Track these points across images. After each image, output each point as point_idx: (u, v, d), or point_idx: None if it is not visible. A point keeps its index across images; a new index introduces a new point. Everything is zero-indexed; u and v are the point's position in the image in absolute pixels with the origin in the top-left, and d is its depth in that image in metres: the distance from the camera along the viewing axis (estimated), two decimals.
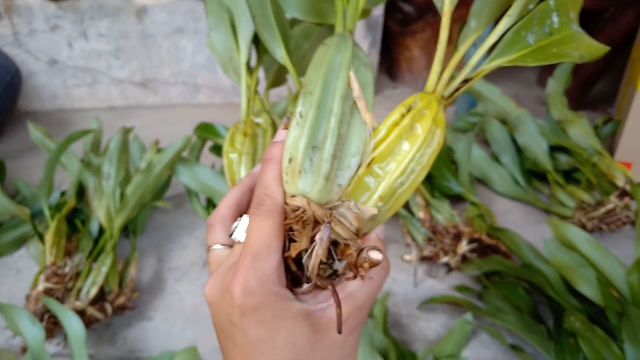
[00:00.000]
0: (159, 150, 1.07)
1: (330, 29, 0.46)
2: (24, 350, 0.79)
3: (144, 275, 0.98)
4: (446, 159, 1.16)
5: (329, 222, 0.29)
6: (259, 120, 0.44)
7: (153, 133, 1.32)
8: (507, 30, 0.33)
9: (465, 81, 0.34)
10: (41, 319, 0.81)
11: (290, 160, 0.30)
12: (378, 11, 1.64)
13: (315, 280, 0.29)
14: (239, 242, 0.31)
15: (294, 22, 0.46)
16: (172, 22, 1.55)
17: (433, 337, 0.86)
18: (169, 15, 1.53)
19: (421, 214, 1.03)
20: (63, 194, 1.06)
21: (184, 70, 1.63)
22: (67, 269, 0.88)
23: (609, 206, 1.03)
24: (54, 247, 0.90)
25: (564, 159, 1.21)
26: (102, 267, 0.88)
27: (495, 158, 1.25)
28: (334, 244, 0.30)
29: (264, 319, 0.27)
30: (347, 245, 0.29)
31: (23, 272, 0.99)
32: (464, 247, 0.95)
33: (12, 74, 1.40)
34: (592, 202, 1.08)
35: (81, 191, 1.04)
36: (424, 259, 0.99)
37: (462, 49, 0.35)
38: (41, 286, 0.85)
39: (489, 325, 0.85)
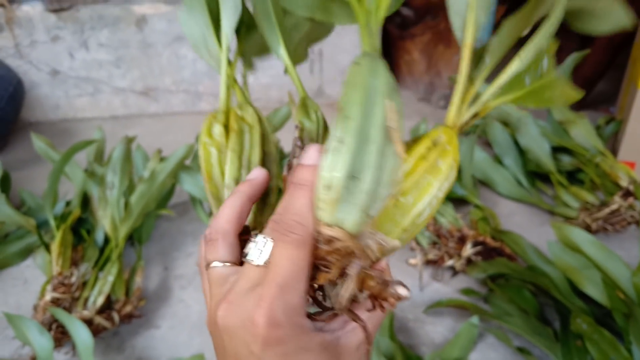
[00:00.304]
0: (162, 159, 1.07)
1: (323, 25, 0.45)
2: (34, 359, 0.79)
3: (150, 283, 0.98)
4: None
5: (363, 257, 0.28)
6: (243, 113, 0.41)
7: (155, 141, 1.33)
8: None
9: (475, 115, 0.35)
10: (49, 329, 0.81)
11: (328, 187, 0.29)
12: None
13: (342, 312, 0.29)
14: (257, 265, 0.29)
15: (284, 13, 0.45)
16: (172, 30, 1.55)
17: (440, 340, 0.86)
18: (169, 23, 1.54)
19: None
20: (68, 204, 1.07)
21: (185, 78, 1.64)
22: (73, 279, 0.88)
23: (613, 206, 1.03)
24: (60, 257, 0.91)
25: (566, 160, 1.21)
26: (109, 276, 0.88)
27: (498, 160, 1.25)
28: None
29: (288, 352, 0.27)
30: (369, 276, 0.29)
31: (30, 282, 0.99)
32: (468, 250, 0.95)
33: (15, 85, 1.40)
34: (596, 203, 1.08)
35: (86, 201, 1.04)
36: (429, 262, 0.99)
37: (477, 84, 0.35)
38: (48, 296, 0.85)
39: (495, 328, 0.85)
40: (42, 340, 0.78)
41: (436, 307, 0.90)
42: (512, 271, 0.89)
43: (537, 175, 1.24)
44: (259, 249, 0.30)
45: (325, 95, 1.72)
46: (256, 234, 0.31)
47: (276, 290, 0.27)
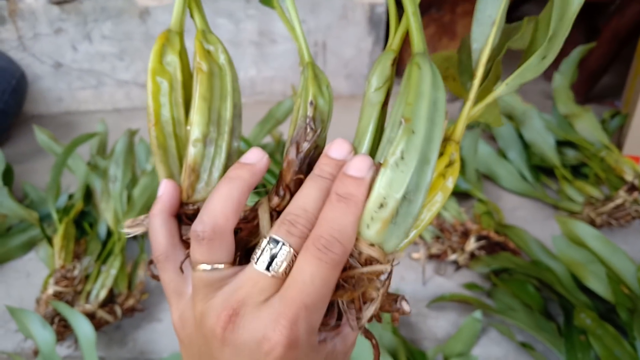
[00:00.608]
0: None
1: None
2: (36, 353, 0.79)
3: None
4: None
5: (390, 274, 0.28)
6: (210, 47, 0.33)
7: None
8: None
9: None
10: (52, 322, 0.81)
11: (381, 206, 0.26)
12: (381, 8, 1.64)
13: (359, 330, 0.28)
14: (272, 276, 0.26)
15: None
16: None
17: (442, 335, 0.86)
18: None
19: None
20: (70, 197, 1.07)
21: None
22: (76, 272, 0.88)
23: (618, 201, 1.02)
24: (62, 250, 0.91)
25: (571, 154, 1.20)
26: (111, 270, 0.88)
27: (502, 154, 1.24)
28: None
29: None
30: (374, 287, 0.28)
31: (33, 275, 0.99)
32: (472, 244, 0.95)
33: (18, 78, 1.40)
34: (600, 197, 1.07)
35: (88, 194, 1.04)
36: (432, 257, 0.99)
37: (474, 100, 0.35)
38: (51, 289, 0.85)
39: (498, 322, 0.85)
40: (44, 334, 0.78)
41: (439, 302, 0.90)
42: (515, 266, 0.89)
43: (541, 170, 1.23)
44: (279, 256, 0.26)
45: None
46: (268, 237, 0.27)
47: (302, 311, 0.25)
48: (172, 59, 0.32)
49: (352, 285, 0.27)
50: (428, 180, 0.27)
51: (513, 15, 2.27)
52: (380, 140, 0.29)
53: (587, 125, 1.20)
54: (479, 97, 0.33)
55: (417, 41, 0.31)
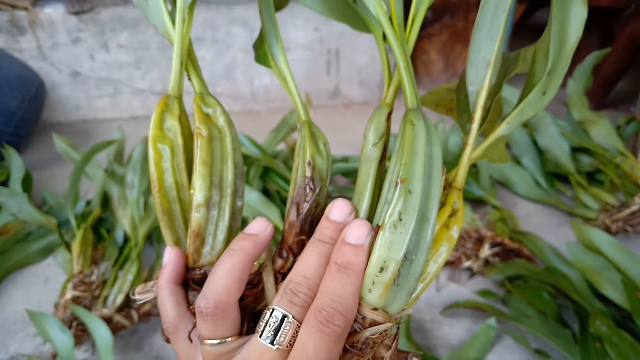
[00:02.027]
0: None
1: None
2: (54, 356, 0.81)
3: None
4: None
5: (396, 338, 0.27)
6: (209, 110, 0.33)
7: None
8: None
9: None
10: (70, 327, 0.83)
11: (382, 269, 0.26)
12: None
13: None
14: (276, 349, 0.26)
15: None
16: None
17: (457, 342, 0.86)
18: None
19: None
20: (88, 203, 1.08)
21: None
22: (93, 277, 0.90)
23: (634, 207, 1.01)
24: (80, 255, 0.92)
25: (586, 160, 1.19)
26: (128, 275, 0.90)
27: (516, 160, 1.24)
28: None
29: None
30: (385, 345, 0.27)
31: (51, 280, 1.01)
32: (486, 251, 0.95)
33: (37, 86, 1.43)
34: (616, 204, 1.06)
35: (106, 200, 1.06)
36: (446, 263, 0.99)
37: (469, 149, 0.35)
38: (69, 294, 0.86)
39: (513, 329, 0.85)
40: (63, 338, 0.79)
41: (453, 308, 0.90)
42: (530, 272, 0.88)
43: (556, 176, 1.22)
44: (283, 329, 0.26)
45: (342, 95, 1.72)
46: (271, 308, 0.27)
47: None
48: (172, 124, 0.32)
49: (359, 350, 0.26)
50: (428, 238, 0.27)
51: (526, 22, 2.26)
52: (379, 197, 0.29)
53: (602, 132, 1.19)
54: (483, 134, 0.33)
55: (410, 96, 0.30)
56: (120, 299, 0.87)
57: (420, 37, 1.76)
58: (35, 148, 1.50)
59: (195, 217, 0.31)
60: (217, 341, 0.27)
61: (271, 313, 0.26)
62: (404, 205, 0.26)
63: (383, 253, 0.26)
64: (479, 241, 0.97)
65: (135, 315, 0.87)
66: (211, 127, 0.32)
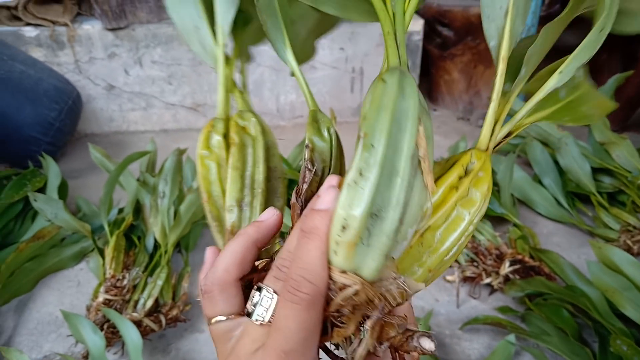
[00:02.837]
0: None
1: (330, 17, 0.37)
2: (85, 357, 0.84)
3: (195, 289, 1.03)
4: None
5: (382, 307, 0.25)
6: (245, 123, 0.35)
7: None
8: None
9: (508, 134, 0.31)
10: (101, 329, 0.86)
11: (343, 228, 0.24)
12: (417, 36, 1.68)
13: None
14: (261, 324, 0.26)
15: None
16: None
17: (476, 357, 0.87)
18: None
19: None
20: (121, 211, 1.13)
21: None
22: (125, 282, 0.93)
23: None
24: (113, 260, 0.96)
25: (607, 181, 1.20)
26: (158, 281, 0.93)
27: (537, 180, 1.25)
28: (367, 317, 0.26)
29: None
30: (388, 325, 0.25)
31: (83, 284, 1.05)
32: (506, 268, 0.96)
33: (74, 98, 1.49)
34: (637, 225, 1.07)
35: (138, 208, 1.10)
36: (466, 279, 1.00)
37: (512, 99, 0.32)
38: (101, 297, 0.90)
39: (532, 347, 0.86)
40: (95, 339, 0.83)
41: (473, 324, 0.91)
42: (550, 290, 0.89)
43: (577, 196, 1.23)
44: (263, 304, 0.27)
45: None
46: (259, 286, 0.27)
47: (280, 358, 0.24)
48: (217, 140, 0.35)
49: (336, 319, 0.25)
50: (400, 193, 0.25)
51: (593, 62, 2.26)
52: None
53: (624, 153, 1.20)
54: (530, 91, 0.31)
55: (392, 57, 0.29)
56: (149, 303, 0.90)
57: (443, 58, 1.79)
58: (70, 158, 1.55)
59: (228, 217, 0.33)
60: (217, 319, 0.28)
61: (259, 291, 0.27)
62: (365, 160, 0.25)
63: (343, 211, 0.24)
64: (500, 258, 0.99)
65: (163, 319, 0.90)
66: (244, 136, 0.35)
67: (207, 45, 0.37)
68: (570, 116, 0.30)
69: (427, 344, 0.24)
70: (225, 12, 0.36)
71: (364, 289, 0.24)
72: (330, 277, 0.25)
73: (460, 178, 0.29)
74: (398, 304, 0.26)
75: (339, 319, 0.25)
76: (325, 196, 0.26)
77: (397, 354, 0.25)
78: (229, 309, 0.28)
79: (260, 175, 0.34)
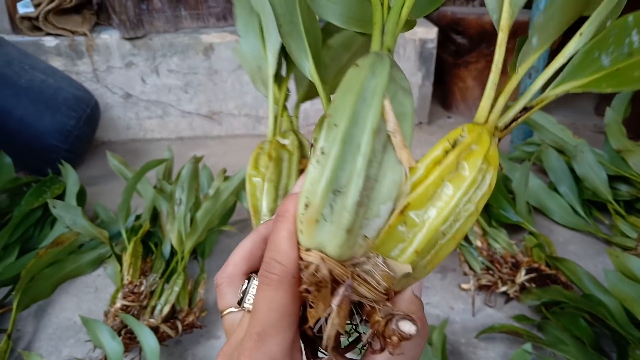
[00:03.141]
0: (225, 178, 1.14)
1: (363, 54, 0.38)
2: None
3: (211, 296, 1.03)
4: (503, 188, 1.17)
5: (350, 284, 0.24)
6: (285, 141, 0.38)
7: (219, 162, 1.40)
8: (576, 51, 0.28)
9: (525, 109, 0.29)
10: (119, 334, 0.87)
11: (306, 206, 0.24)
12: (432, 44, 1.69)
13: (333, 354, 0.25)
14: (249, 310, 0.27)
15: (333, 29, 0.39)
16: (237, 58, 1.64)
17: None
18: (234, 52, 1.63)
19: (478, 243, 1.04)
20: (138, 217, 1.14)
21: (247, 103, 1.72)
22: (142, 288, 0.94)
23: None
24: (131, 267, 0.97)
25: (624, 189, 1.19)
26: (175, 287, 0.94)
27: (553, 187, 1.25)
28: (359, 306, 0.25)
29: None
30: (373, 309, 0.25)
31: (100, 290, 1.06)
32: (522, 276, 0.95)
33: (92, 107, 1.52)
34: None
35: (155, 215, 1.12)
36: (481, 287, 1.00)
37: (521, 71, 0.30)
38: (119, 303, 0.91)
39: (549, 356, 0.85)
40: (113, 344, 0.84)
41: (489, 333, 0.90)
42: (567, 299, 0.89)
43: (593, 204, 1.22)
44: (251, 292, 0.27)
45: None
46: (249, 275, 0.28)
47: (255, 341, 0.24)
48: (264, 160, 0.37)
49: (308, 300, 0.25)
50: (361, 167, 0.24)
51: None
52: None
53: None
54: (514, 67, 0.30)
55: (374, 44, 0.30)
56: (166, 309, 0.91)
57: (457, 65, 1.79)
58: (88, 165, 1.58)
59: None
60: (227, 311, 0.29)
61: (248, 280, 0.28)
62: (327, 139, 0.25)
63: (306, 189, 0.25)
64: (515, 266, 0.98)
65: (180, 326, 0.91)
66: (282, 152, 0.37)
67: (266, 80, 0.40)
68: (612, 83, 0.27)
69: (407, 327, 0.23)
70: (272, 45, 0.39)
71: (325, 266, 0.24)
72: (300, 258, 0.25)
73: (446, 152, 0.27)
74: (387, 289, 0.25)
75: (311, 300, 0.24)
76: (299, 180, 0.27)
77: (382, 339, 0.24)
78: (236, 301, 0.28)
79: (292, 186, 0.36)
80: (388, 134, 0.26)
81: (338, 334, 0.24)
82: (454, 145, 0.27)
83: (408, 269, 0.25)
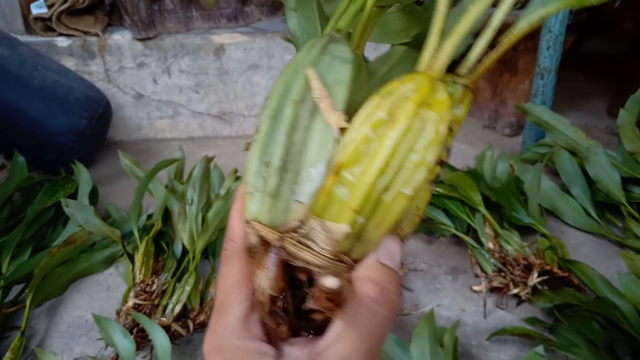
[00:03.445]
0: (237, 178, 1.14)
1: (413, 49, 0.36)
2: None
3: None
4: (515, 190, 1.16)
5: (276, 246, 0.24)
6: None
7: (229, 162, 1.41)
8: None
9: (492, 47, 0.27)
10: (130, 333, 0.87)
11: (245, 182, 0.26)
12: None
13: (273, 322, 0.25)
14: None
15: None
16: (247, 59, 1.65)
17: None
18: (244, 52, 1.64)
19: (490, 245, 1.04)
20: (150, 217, 1.15)
21: (257, 104, 1.73)
22: (154, 287, 0.95)
23: None
24: (142, 266, 0.98)
25: (637, 191, 1.18)
26: (186, 286, 0.94)
27: (566, 189, 1.24)
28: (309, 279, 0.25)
29: None
30: (300, 269, 0.25)
31: (112, 288, 1.07)
32: (535, 279, 0.95)
33: (104, 107, 1.53)
34: None
35: (166, 215, 1.12)
36: (493, 290, 1.00)
37: (474, 8, 0.26)
38: (131, 302, 0.92)
39: (561, 358, 0.84)
40: (125, 343, 0.84)
41: (500, 335, 0.90)
42: (580, 302, 0.88)
43: (606, 206, 1.21)
44: None
45: None
46: None
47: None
48: None
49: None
50: (284, 135, 0.25)
51: (576, 51, 2.25)
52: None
53: None
54: None
55: (327, 28, 0.30)
56: (178, 308, 0.92)
57: None
58: (99, 164, 1.59)
59: None
60: None
61: None
62: (261, 118, 0.26)
63: (246, 166, 0.26)
64: (528, 268, 0.98)
65: (191, 325, 0.91)
66: None
67: None
68: None
69: (328, 282, 0.23)
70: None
71: (255, 232, 0.25)
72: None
73: (378, 105, 0.25)
74: (336, 254, 0.24)
75: (251, 268, 0.25)
76: None
77: (317, 304, 0.24)
78: None
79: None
80: (315, 100, 0.26)
81: (273, 300, 0.24)
82: (384, 96, 0.26)
83: (344, 228, 0.24)
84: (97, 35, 1.59)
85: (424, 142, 0.24)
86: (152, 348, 0.89)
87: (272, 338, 0.26)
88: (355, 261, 0.25)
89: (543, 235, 1.09)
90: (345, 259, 0.25)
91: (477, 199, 1.11)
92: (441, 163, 0.25)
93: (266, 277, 0.24)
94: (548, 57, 1.37)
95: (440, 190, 1.15)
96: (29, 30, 1.62)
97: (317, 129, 0.26)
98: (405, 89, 0.25)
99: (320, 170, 0.25)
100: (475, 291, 1.01)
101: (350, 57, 0.27)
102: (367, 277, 0.24)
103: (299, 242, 0.24)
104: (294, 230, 0.25)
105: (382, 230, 0.25)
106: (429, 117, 0.24)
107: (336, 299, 0.23)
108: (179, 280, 0.98)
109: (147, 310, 0.92)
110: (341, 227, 0.24)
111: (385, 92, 0.25)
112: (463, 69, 0.27)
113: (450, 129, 0.26)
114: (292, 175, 0.25)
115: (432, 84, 0.25)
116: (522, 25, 0.26)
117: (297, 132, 0.25)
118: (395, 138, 0.24)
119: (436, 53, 0.26)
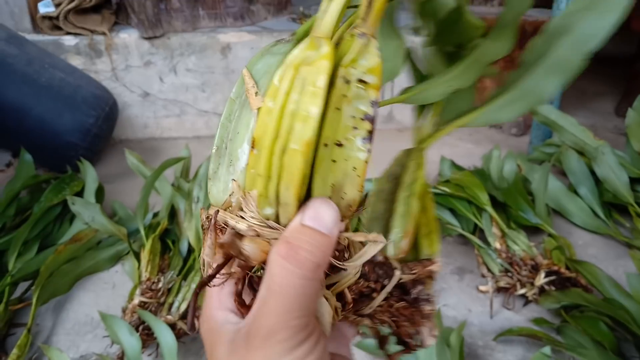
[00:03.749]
0: None
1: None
2: (121, 358, 0.85)
3: None
4: (522, 190, 1.16)
5: (208, 216, 0.28)
6: None
7: None
8: None
9: None
10: (136, 330, 0.87)
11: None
12: None
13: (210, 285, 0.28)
14: None
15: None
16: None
17: None
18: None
19: (497, 245, 1.03)
20: (155, 215, 1.15)
21: None
22: (160, 285, 0.95)
23: None
24: (149, 264, 0.98)
25: None
26: (192, 284, 0.94)
27: (573, 190, 1.23)
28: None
29: (207, 348, 0.28)
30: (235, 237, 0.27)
31: (118, 286, 1.07)
32: (541, 279, 0.94)
33: (110, 105, 1.53)
34: None
35: (172, 213, 1.12)
36: (500, 290, 0.99)
37: None
38: (137, 300, 0.92)
39: (568, 359, 0.84)
40: (131, 340, 0.84)
41: (507, 335, 0.89)
42: (587, 302, 0.87)
43: (614, 207, 1.20)
44: None
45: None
46: None
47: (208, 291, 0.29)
48: None
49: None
50: (220, 126, 0.30)
51: (631, 70, 2.20)
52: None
53: None
54: None
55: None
56: (184, 306, 0.92)
57: None
58: (106, 163, 1.59)
59: None
60: None
61: None
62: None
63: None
64: (535, 269, 0.97)
65: (196, 323, 0.91)
66: None
67: None
68: None
69: (246, 247, 0.25)
70: None
71: (209, 216, 0.27)
72: None
73: (282, 77, 0.25)
74: (263, 222, 0.26)
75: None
76: None
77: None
78: None
79: None
80: (245, 92, 0.28)
81: (218, 268, 0.27)
82: (286, 69, 0.25)
83: (254, 193, 0.26)
84: (104, 34, 1.59)
85: (306, 98, 0.24)
86: (157, 346, 0.89)
87: (244, 309, 0.28)
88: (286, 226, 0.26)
89: (550, 235, 1.08)
90: (272, 224, 0.26)
91: (484, 198, 1.10)
92: (370, 119, 0.26)
93: (206, 245, 0.27)
94: None
95: (447, 189, 1.14)
96: (36, 29, 1.63)
97: (245, 115, 0.28)
98: (292, 55, 0.25)
99: (245, 149, 0.27)
100: (481, 291, 1.01)
101: (285, 51, 0.29)
102: (282, 237, 0.25)
103: (237, 215, 0.26)
104: (230, 205, 0.27)
105: (292, 190, 0.25)
106: (306, 72, 0.25)
107: (249, 263, 0.26)
108: (185, 278, 0.98)
109: (153, 308, 0.92)
110: (252, 193, 0.26)
111: (282, 63, 0.26)
112: (357, 19, 0.26)
113: (364, 81, 0.26)
114: (227, 159, 0.28)
115: (313, 44, 0.25)
116: None
117: (231, 122, 0.29)
118: (280, 101, 0.25)
119: (323, 14, 0.26)
